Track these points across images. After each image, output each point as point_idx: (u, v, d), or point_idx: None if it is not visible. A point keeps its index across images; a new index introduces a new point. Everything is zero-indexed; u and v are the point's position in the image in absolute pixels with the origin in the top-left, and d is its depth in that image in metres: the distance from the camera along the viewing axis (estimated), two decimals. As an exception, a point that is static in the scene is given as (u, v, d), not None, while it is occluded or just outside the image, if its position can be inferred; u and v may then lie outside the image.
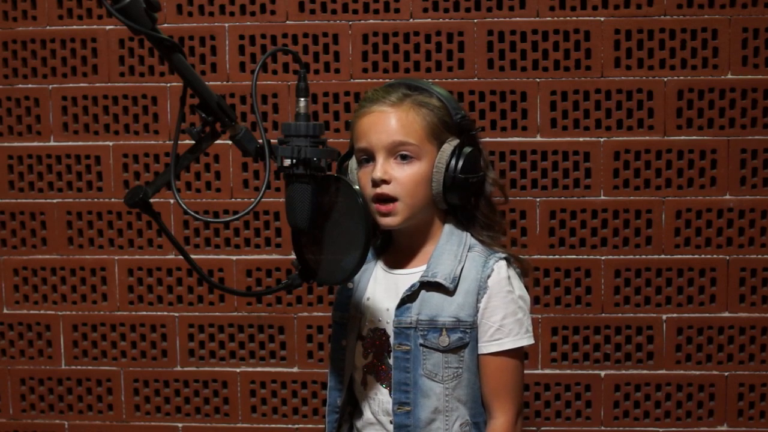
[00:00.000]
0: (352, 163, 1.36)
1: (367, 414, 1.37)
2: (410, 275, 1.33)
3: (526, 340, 1.30)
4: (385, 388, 1.34)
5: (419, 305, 1.30)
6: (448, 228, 1.34)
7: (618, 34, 2.05)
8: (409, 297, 1.30)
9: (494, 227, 1.35)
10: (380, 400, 1.34)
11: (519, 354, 1.31)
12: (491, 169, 1.37)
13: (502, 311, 1.29)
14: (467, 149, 1.29)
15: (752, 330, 2.09)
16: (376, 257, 1.41)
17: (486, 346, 1.29)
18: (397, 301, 1.31)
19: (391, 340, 1.31)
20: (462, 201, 1.31)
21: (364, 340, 1.36)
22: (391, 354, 1.31)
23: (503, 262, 1.31)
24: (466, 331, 1.28)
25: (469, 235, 1.34)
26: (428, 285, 1.30)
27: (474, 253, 1.31)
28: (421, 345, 1.28)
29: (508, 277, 1.30)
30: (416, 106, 1.28)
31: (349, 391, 1.42)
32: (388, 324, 1.33)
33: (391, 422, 1.31)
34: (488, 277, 1.29)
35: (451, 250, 1.31)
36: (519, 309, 1.30)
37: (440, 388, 1.29)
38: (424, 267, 1.32)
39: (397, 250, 1.38)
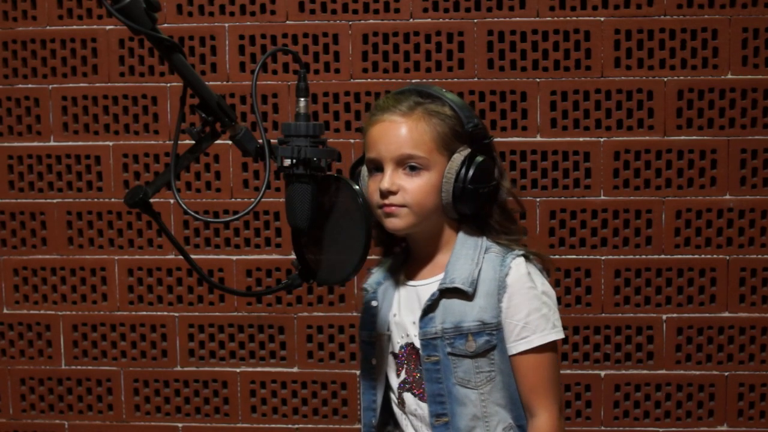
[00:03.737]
0: (365, 169, 1.35)
1: (410, 430, 1.35)
2: (429, 285, 1.32)
3: (554, 334, 1.27)
4: (425, 402, 1.31)
5: (442, 314, 1.28)
6: (462, 235, 1.32)
7: (618, 34, 2.05)
8: (431, 307, 1.29)
9: (510, 234, 1.33)
10: (422, 415, 1.32)
11: (551, 349, 1.28)
12: (506, 178, 1.34)
13: (526, 308, 1.26)
14: (479, 159, 1.27)
15: (752, 330, 2.09)
16: (398, 273, 1.39)
17: (515, 346, 1.27)
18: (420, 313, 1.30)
19: (420, 352, 1.30)
20: (473, 210, 1.29)
21: (397, 358, 1.35)
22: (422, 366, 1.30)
23: (521, 259, 1.29)
24: (492, 333, 1.26)
25: (484, 238, 1.32)
26: (448, 292, 1.28)
27: (491, 255, 1.29)
28: (449, 354, 1.27)
29: (528, 274, 1.28)
30: (427, 115, 1.27)
31: (385, 410, 1.39)
32: (416, 337, 1.31)
33: None
34: (506, 275, 1.27)
35: (467, 254, 1.30)
36: (543, 305, 1.28)
37: (475, 394, 1.27)
38: (441, 275, 1.30)
39: (415, 261, 1.37)
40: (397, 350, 1.34)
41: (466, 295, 1.27)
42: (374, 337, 1.37)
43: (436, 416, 1.29)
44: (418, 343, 1.31)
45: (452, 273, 1.29)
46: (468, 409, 1.27)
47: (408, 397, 1.33)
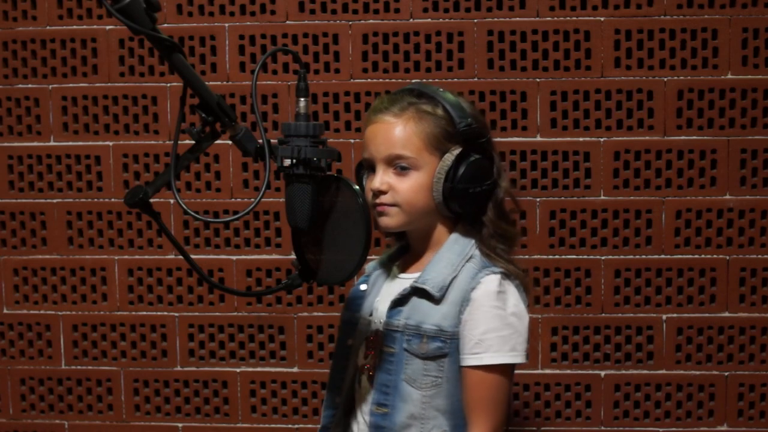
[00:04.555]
0: None
1: (360, 415, 1.37)
2: (408, 280, 1.34)
3: (508, 358, 1.26)
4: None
5: (409, 310, 1.30)
6: (454, 237, 1.33)
7: (618, 34, 2.05)
8: (400, 301, 1.31)
9: (504, 236, 1.32)
10: (369, 400, 1.34)
11: (502, 371, 1.27)
12: (504, 177, 1.34)
13: (484, 325, 1.26)
14: (471, 158, 1.28)
15: (752, 330, 2.09)
16: (393, 262, 1.41)
17: (465, 359, 1.27)
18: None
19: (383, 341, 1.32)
20: (464, 210, 1.30)
21: (368, 341, 1.37)
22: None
23: (495, 277, 1.28)
24: (446, 341, 1.27)
25: (473, 245, 1.31)
26: (418, 291, 1.30)
27: (470, 264, 1.30)
28: (405, 349, 1.29)
29: (498, 292, 1.27)
30: (417, 116, 1.28)
31: (351, 390, 1.42)
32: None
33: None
34: (473, 289, 1.27)
35: (449, 259, 1.30)
36: (506, 326, 1.26)
37: (418, 394, 1.28)
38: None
39: (410, 255, 1.39)
40: (370, 335, 1.36)
41: (434, 299, 1.28)
42: (356, 319, 1.39)
43: (378, 405, 1.31)
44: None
45: (428, 274, 1.30)
46: (408, 406, 1.29)
47: (364, 380, 1.35)
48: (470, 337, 1.26)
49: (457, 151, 1.28)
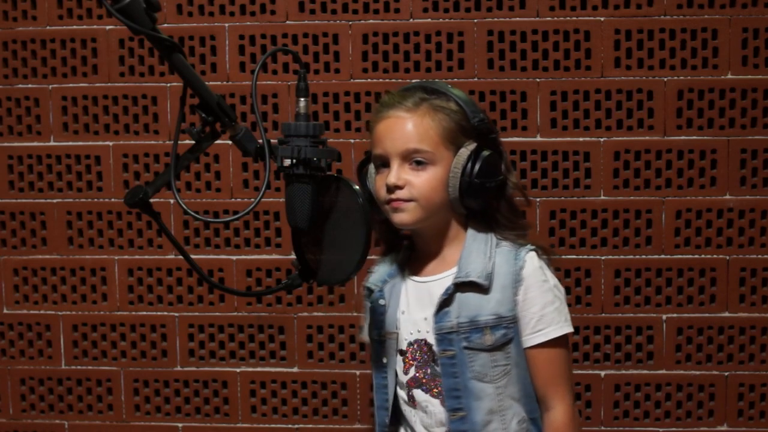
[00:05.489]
0: (372, 167, 1.36)
1: (419, 428, 1.35)
2: (441, 280, 1.33)
3: (567, 327, 1.31)
4: (436, 398, 1.32)
5: (457, 308, 1.29)
6: (472, 231, 1.34)
7: (618, 34, 2.05)
8: (446, 301, 1.29)
9: (516, 228, 1.35)
10: (432, 411, 1.33)
11: (564, 342, 1.32)
12: (512, 172, 1.35)
13: (541, 301, 1.30)
14: (485, 153, 1.28)
15: (752, 330, 2.09)
16: (403, 270, 1.40)
17: (530, 339, 1.30)
18: (434, 308, 1.30)
19: (435, 347, 1.30)
20: (480, 205, 1.30)
21: (405, 354, 1.35)
22: (438, 362, 1.30)
23: (533, 253, 1.32)
24: (509, 327, 1.29)
25: (492, 234, 1.34)
26: (463, 286, 1.29)
27: (503, 248, 1.32)
28: (465, 348, 1.28)
29: (541, 267, 1.32)
30: (432, 111, 1.28)
31: (394, 409, 1.40)
32: (428, 333, 1.31)
33: None
34: (521, 268, 1.30)
35: (479, 249, 1.31)
36: (555, 298, 1.31)
37: (491, 388, 1.28)
38: (453, 270, 1.31)
39: (422, 258, 1.37)
40: (404, 347, 1.35)
41: (482, 289, 1.28)
42: (384, 336, 1.37)
43: (453, 411, 1.29)
44: (431, 339, 1.31)
45: (466, 267, 1.30)
46: (484, 403, 1.28)
47: (418, 393, 1.34)
48: (530, 316, 1.30)
49: (472, 146, 1.28)
